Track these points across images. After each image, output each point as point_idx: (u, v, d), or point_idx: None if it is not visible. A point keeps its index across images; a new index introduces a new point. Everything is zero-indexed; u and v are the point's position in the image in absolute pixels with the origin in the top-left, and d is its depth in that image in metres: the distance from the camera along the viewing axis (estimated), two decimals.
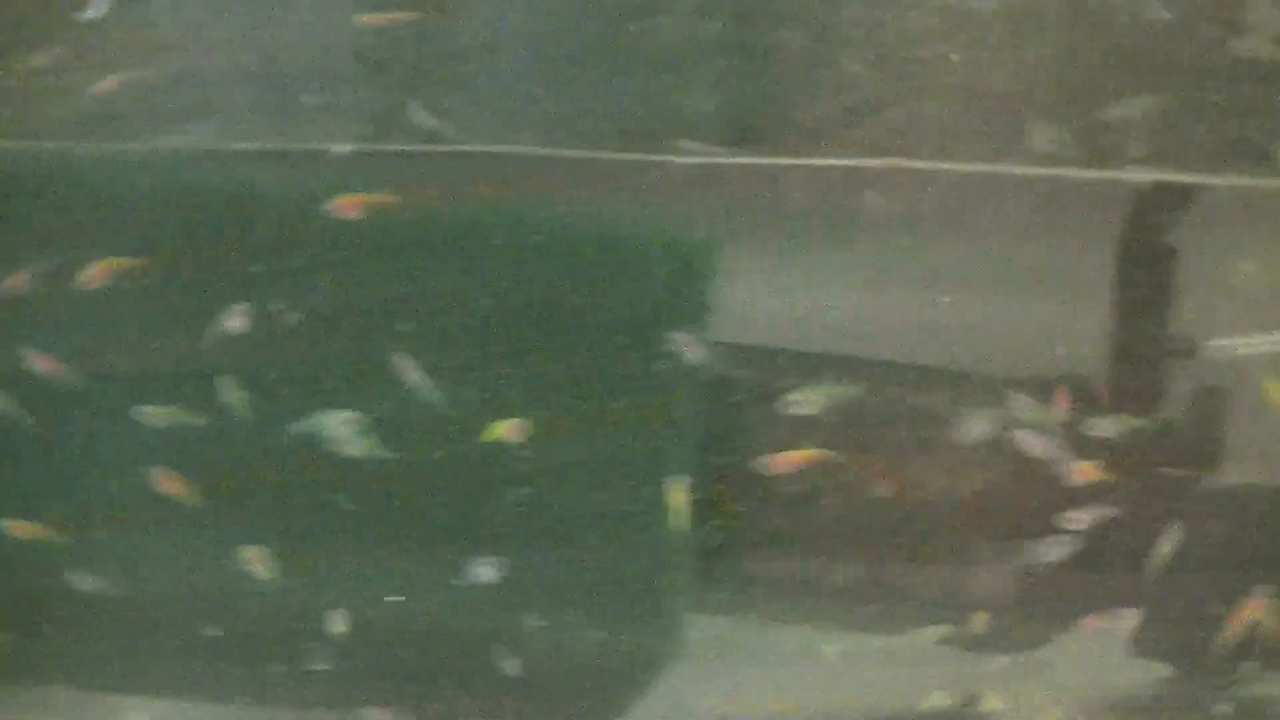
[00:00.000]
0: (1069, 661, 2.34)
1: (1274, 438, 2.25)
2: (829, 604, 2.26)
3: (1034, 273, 2.24)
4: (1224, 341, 2.29)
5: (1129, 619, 2.28)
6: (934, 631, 2.27)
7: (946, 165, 2.12)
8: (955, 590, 2.27)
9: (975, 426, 2.13)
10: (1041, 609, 2.25)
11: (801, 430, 2.17)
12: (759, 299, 2.18)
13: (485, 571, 2.03)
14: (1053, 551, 2.15)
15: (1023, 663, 2.29)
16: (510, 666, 2.09)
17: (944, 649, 2.31)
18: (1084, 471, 2.09)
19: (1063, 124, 2.14)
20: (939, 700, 2.28)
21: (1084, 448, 2.19)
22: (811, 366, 2.19)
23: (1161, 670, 2.32)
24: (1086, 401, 2.24)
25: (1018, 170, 2.17)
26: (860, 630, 2.28)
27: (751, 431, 2.14)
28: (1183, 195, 2.16)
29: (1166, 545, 2.24)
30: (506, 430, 2.01)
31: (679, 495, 2.03)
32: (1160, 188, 2.18)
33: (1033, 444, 2.07)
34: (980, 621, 2.24)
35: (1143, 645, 2.31)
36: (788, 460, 1.99)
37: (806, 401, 2.04)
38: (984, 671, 2.30)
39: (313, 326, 2.05)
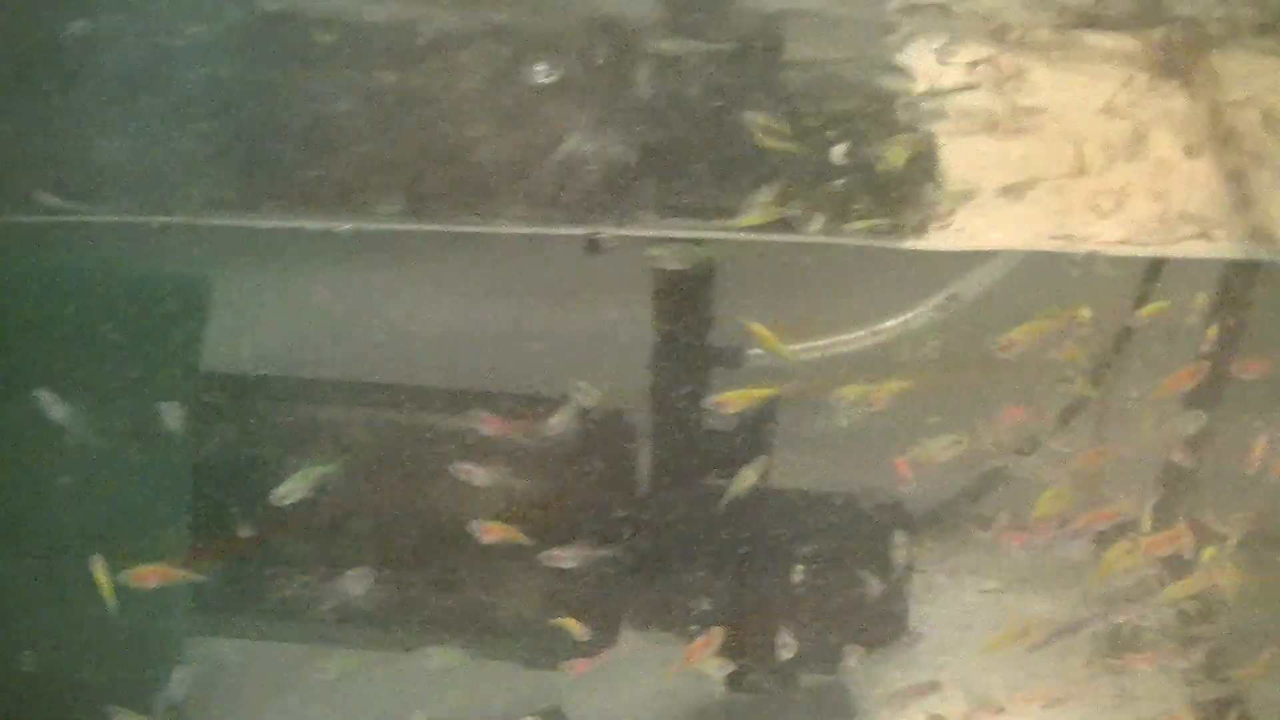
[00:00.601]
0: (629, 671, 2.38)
1: (817, 440, 2.30)
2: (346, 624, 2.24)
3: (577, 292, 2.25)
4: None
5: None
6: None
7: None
8: (481, 608, 2.26)
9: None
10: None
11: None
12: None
13: None
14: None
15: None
16: None
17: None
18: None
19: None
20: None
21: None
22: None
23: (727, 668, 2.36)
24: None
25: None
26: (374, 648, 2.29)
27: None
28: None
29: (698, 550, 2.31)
30: None
31: (100, 571, 1.97)
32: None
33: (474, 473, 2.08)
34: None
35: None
36: (144, 575, 1.95)
37: (292, 491, 2.01)
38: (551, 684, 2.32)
39: None
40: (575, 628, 2.17)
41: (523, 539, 2.03)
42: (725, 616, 2.30)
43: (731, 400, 2.06)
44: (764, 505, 2.30)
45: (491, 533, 2.02)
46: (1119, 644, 2.45)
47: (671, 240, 1.98)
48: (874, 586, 2.31)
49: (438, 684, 2.27)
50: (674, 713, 2.43)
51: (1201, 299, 2.20)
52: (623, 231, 1.93)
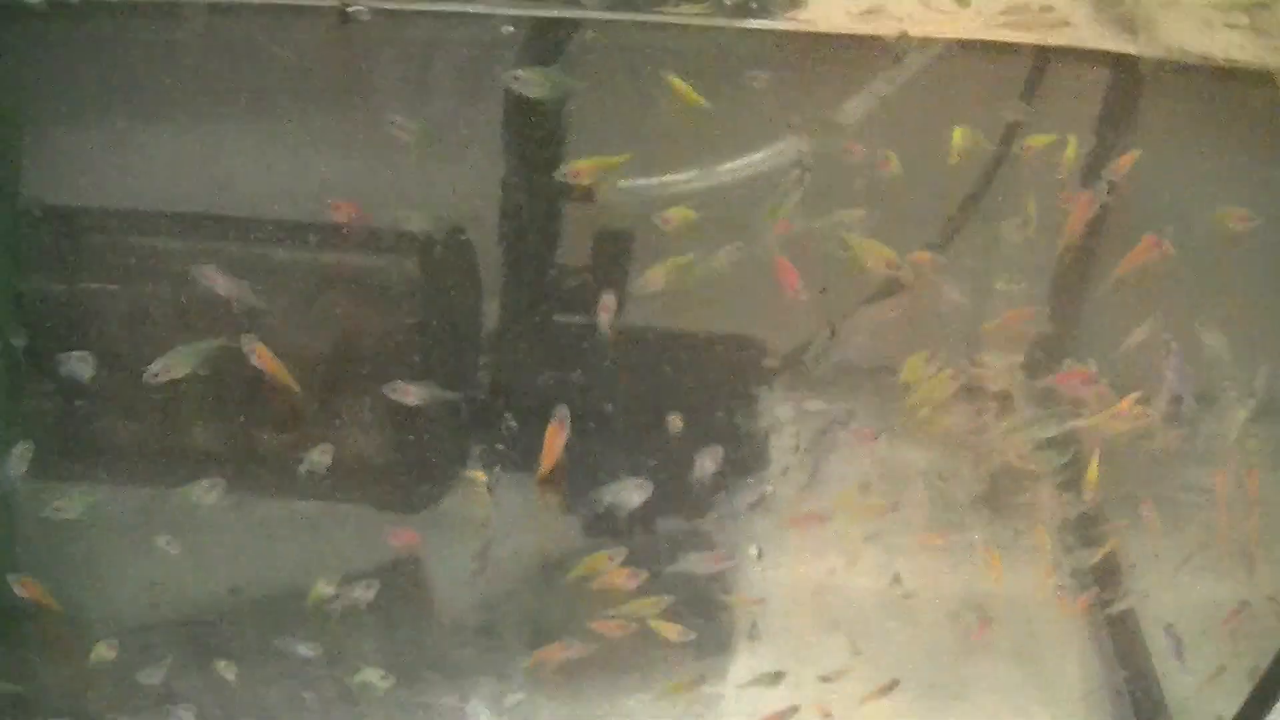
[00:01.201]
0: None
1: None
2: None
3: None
4: (630, 183, 2.20)
5: None
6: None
7: None
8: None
9: None
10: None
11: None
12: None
13: None
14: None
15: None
16: None
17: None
18: None
19: None
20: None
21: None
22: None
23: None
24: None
25: None
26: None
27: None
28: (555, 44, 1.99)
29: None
30: None
31: None
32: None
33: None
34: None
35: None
36: None
37: (171, 367, 1.90)
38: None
39: None
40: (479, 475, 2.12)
41: (291, 382, 1.91)
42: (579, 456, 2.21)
43: (584, 169, 1.95)
44: (618, 345, 2.21)
45: (261, 357, 1.90)
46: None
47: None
48: (738, 430, 2.23)
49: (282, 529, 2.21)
50: (538, 559, 2.38)
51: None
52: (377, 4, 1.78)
